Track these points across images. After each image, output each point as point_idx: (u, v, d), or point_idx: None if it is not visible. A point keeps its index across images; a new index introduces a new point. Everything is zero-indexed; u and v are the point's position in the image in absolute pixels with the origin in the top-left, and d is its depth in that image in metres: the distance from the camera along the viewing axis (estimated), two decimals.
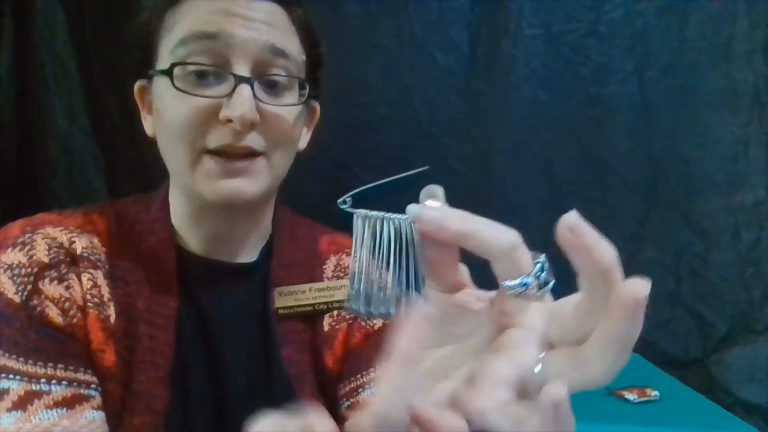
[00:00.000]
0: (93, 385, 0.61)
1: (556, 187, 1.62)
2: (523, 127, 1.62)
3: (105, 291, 0.64)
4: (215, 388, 0.67)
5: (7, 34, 1.55)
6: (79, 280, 0.63)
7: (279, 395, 0.69)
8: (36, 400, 0.58)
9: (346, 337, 0.74)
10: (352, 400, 0.73)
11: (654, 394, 1.17)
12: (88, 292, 0.63)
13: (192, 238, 0.70)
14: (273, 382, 0.70)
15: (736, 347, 1.61)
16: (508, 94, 1.61)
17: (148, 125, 0.68)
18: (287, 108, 0.63)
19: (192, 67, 0.60)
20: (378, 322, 0.75)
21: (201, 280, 0.68)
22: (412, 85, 1.61)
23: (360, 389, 0.72)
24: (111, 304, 0.64)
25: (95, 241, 0.66)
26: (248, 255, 0.72)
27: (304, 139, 0.74)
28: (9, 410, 0.57)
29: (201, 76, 0.61)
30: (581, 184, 1.62)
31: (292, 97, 0.64)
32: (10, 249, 0.62)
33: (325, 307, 0.69)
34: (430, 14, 1.60)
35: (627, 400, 1.15)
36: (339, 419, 0.73)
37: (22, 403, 0.57)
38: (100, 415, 0.60)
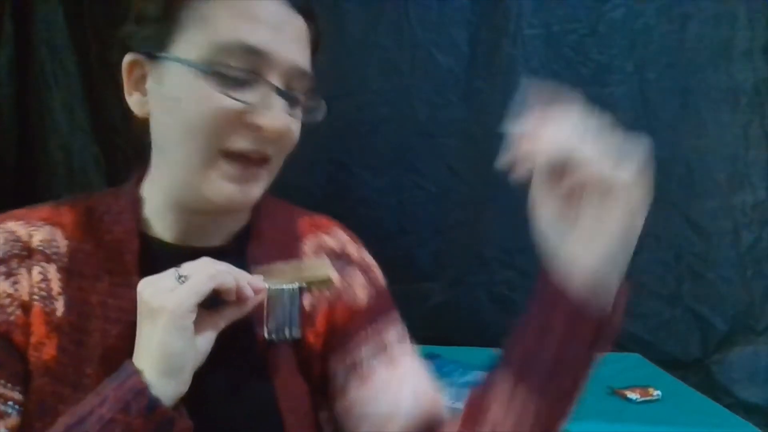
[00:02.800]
0: (11, 402, 0.60)
1: None
2: None
3: (55, 285, 0.63)
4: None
5: (7, 34, 1.55)
6: (30, 273, 0.63)
7: (257, 374, 0.70)
8: None
9: (329, 314, 0.76)
10: (356, 371, 0.77)
11: (656, 393, 1.17)
12: (36, 285, 0.63)
13: (166, 228, 0.70)
14: (250, 362, 0.70)
15: (737, 347, 1.61)
16: (508, 94, 1.61)
17: (137, 103, 0.67)
18: (297, 121, 0.67)
19: (234, 73, 0.61)
20: (362, 298, 0.79)
21: (171, 266, 0.66)
22: (412, 85, 1.61)
23: (363, 361, 0.77)
24: (60, 297, 0.63)
25: (58, 233, 0.65)
26: (224, 238, 0.72)
27: None
28: None
29: (232, 78, 0.62)
30: None
31: (301, 110, 0.68)
32: None
33: (306, 285, 0.69)
34: (430, 14, 1.60)
35: (629, 400, 1.15)
36: (328, 392, 0.77)
37: None
38: None
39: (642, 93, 1.61)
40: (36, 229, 0.65)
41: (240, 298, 0.62)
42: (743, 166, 1.61)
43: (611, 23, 1.59)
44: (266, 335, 0.66)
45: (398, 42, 1.60)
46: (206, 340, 0.60)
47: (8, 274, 0.62)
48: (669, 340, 1.63)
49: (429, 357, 1.36)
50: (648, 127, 1.62)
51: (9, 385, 0.61)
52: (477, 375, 1.33)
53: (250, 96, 0.62)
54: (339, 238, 0.83)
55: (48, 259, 0.64)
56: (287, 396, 0.71)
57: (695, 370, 1.61)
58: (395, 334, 0.83)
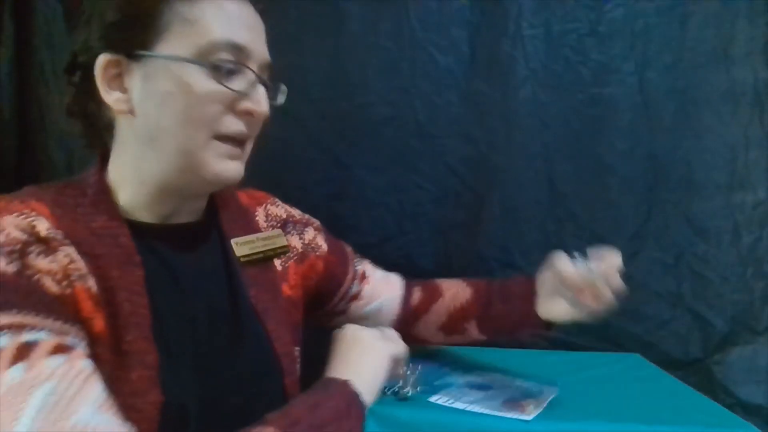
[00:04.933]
0: (79, 339, 0.63)
1: (556, 187, 1.61)
2: (523, 127, 1.62)
3: (81, 264, 0.66)
4: (192, 335, 0.75)
5: (7, 34, 1.55)
6: (55, 257, 0.65)
7: (248, 328, 0.81)
8: (36, 349, 0.57)
9: (299, 269, 0.94)
10: (350, 298, 1.06)
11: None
12: (68, 267, 0.65)
13: (144, 211, 0.76)
14: (242, 318, 0.81)
15: (737, 347, 1.61)
16: (508, 94, 1.61)
17: (118, 101, 0.72)
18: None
19: (228, 65, 0.71)
20: (324, 246, 1.02)
21: (162, 245, 0.76)
22: (412, 85, 1.61)
23: (351, 291, 1.06)
24: (89, 275, 0.66)
25: (47, 223, 0.67)
26: (195, 215, 0.83)
27: None
28: (11, 364, 0.56)
29: (225, 70, 0.71)
30: (581, 184, 1.61)
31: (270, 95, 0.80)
32: None
33: (273, 253, 0.81)
34: (430, 14, 1.59)
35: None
36: (322, 319, 1.05)
37: (21, 355, 0.56)
38: (91, 363, 0.62)
39: (642, 93, 1.61)
40: (33, 219, 0.66)
41: None
42: (743, 166, 1.61)
43: (611, 23, 1.59)
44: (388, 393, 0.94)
45: (398, 42, 1.60)
46: None
47: (45, 253, 0.64)
48: (669, 340, 1.63)
49: (429, 357, 1.35)
50: (648, 127, 1.62)
51: (76, 327, 0.63)
52: (477, 375, 1.34)
53: (238, 85, 0.72)
54: (279, 206, 0.99)
55: (62, 243, 0.66)
56: (280, 342, 0.83)
57: (695, 370, 1.61)
58: (358, 257, 1.11)
